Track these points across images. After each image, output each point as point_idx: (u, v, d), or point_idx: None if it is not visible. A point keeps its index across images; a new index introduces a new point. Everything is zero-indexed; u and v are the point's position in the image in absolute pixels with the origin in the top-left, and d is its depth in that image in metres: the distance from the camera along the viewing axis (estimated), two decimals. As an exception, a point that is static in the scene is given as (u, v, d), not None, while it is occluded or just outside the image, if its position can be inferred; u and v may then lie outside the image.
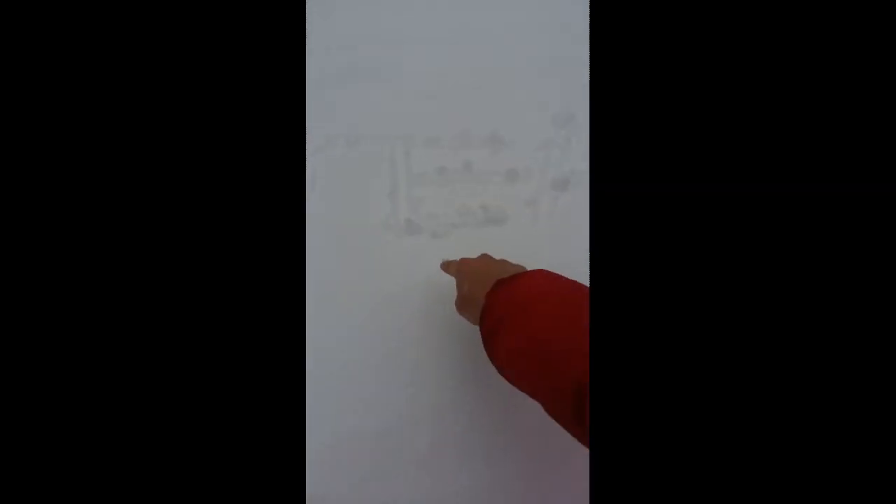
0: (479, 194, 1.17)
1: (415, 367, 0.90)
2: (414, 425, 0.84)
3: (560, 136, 1.34)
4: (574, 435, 0.47)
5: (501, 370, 0.60)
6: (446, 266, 0.85)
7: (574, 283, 0.60)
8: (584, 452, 0.40)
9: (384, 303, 0.97)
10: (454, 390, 0.87)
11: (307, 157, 1.34)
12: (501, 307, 0.58)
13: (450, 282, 1.02)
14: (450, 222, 1.11)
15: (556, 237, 1.09)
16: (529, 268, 1.02)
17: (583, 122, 1.38)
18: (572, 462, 0.83)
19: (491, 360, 0.61)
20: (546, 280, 0.60)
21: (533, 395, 0.55)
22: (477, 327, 0.69)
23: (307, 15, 1.58)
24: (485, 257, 0.78)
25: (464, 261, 0.80)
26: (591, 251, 0.38)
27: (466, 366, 0.90)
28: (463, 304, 0.72)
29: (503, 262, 0.76)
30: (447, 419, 0.85)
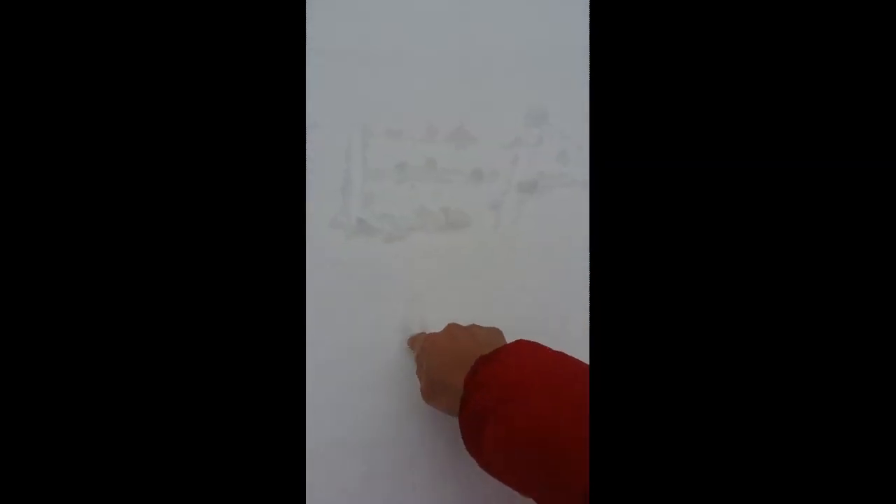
0: (440, 195, 1.08)
1: (344, 382, 0.81)
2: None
3: (531, 135, 1.26)
4: None
5: (488, 465, 0.51)
6: (412, 343, 0.78)
7: (562, 355, 0.53)
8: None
9: (324, 312, 0.87)
10: (389, 411, 0.79)
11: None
12: (488, 393, 0.49)
13: (410, 286, 0.92)
14: (407, 225, 1.01)
15: (520, 245, 1.01)
16: (493, 283, 0.95)
17: (556, 121, 1.30)
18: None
19: (472, 452, 0.53)
20: (534, 354, 0.52)
21: (527, 491, 0.46)
22: (447, 415, 0.61)
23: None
24: (451, 330, 0.68)
25: (428, 338, 0.70)
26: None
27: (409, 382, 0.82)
28: (433, 393, 0.62)
29: (472, 330, 0.67)
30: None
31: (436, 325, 0.83)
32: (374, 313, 0.88)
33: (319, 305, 0.85)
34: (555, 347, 0.57)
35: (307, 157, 1.16)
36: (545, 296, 0.93)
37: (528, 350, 0.54)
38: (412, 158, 1.15)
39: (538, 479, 0.43)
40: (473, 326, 0.68)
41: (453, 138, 1.23)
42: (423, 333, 0.77)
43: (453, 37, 1.54)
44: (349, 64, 1.41)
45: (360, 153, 1.19)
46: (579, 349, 0.53)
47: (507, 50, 1.46)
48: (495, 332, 0.66)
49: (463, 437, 0.54)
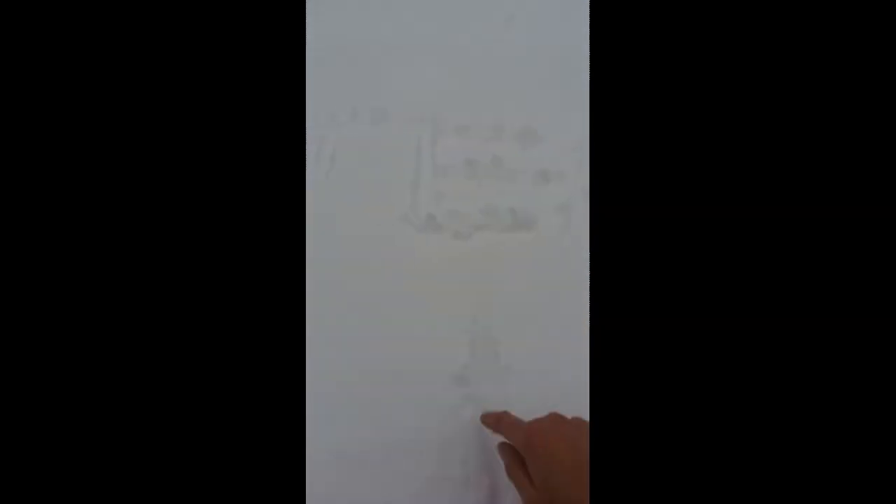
0: (507, 194, 1.09)
1: (420, 379, 0.85)
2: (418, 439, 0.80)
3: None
4: None
5: None
6: (494, 423, 0.67)
7: None
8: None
9: (391, 308, 0.91)
10: (460, 403, 0.83)
11: (326, 131, 1.26)
12: None
13: (470, 283, 0.95)
14: (474, 223, 1.04)
15: (587, 250, 1.02)
16: (560, 286, 0.95)
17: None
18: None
19: None
20: None
21: None
22: None
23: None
24: (557, 423, 0.56)
25: (532, 428, 0.57)
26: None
27: (475, 376, 0.85)
28: None
29: (580, 427, 0.55)
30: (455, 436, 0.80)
31: (501, 332, 0.85)
32: (443, 312, 0.91)
33: (387, 300, 0.90)
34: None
35: (377, 149, 1.20)
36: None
37: None
38: (480, 156, 1.17)
39: None
40: (578, 418, 0.58)
41: (519, 138, 1.23)
42: (505, 413, 0.67)
43: (529, 31, 1.53)
44: (418, 56, 1.43)
45: (429, 148, 1.22)
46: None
47: (577, 46, 1.43)
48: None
49: None
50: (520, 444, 0.58)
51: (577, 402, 0.62)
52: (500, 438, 0.70)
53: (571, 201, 1.09)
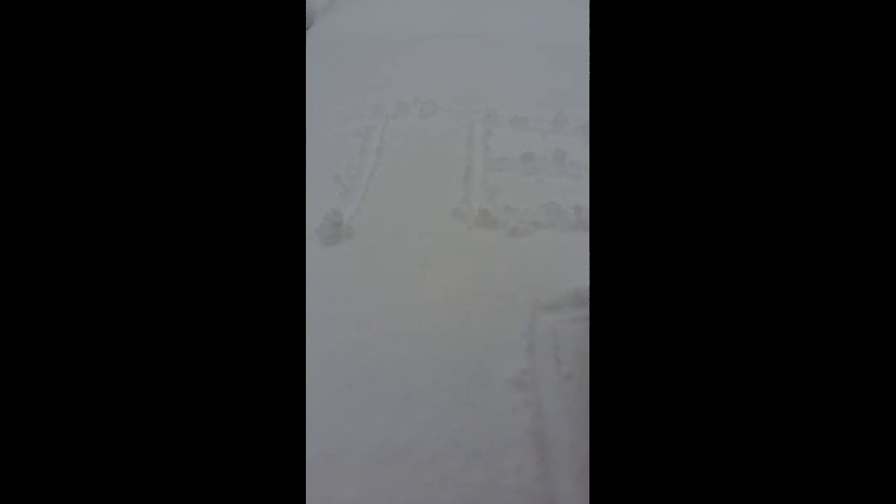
0: (570, 191, 0.99)
1: (475, 380, 0.75)
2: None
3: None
4: None
5: None
6: None
7: None
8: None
9: (439, 303, 0.81)
10: (517, 407, 0.72)
11: (376, 122, 1.19)
12: None
13: (529, 283, 0.85)
14: (533, 220, 0.93)
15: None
16: None
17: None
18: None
19: None
20: None
21: None
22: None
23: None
24: None
25: None
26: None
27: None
28: None
29: None
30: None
31: (559, 333, 0.75)
32: (495, 311, 0.81)
33: (435, 294, 0.81)
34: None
35: (431, 141, 1.12)
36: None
37: None
38: (539, 149, 1.06)
39: None
40: None
41: (583, 131, 1.12)
42: None
43: (580, 22, 1.43)
44: (476, 42, 1.35)
45: (482, 141, 1.13)
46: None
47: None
48: None
49: None
50: None
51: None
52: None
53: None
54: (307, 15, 1.88)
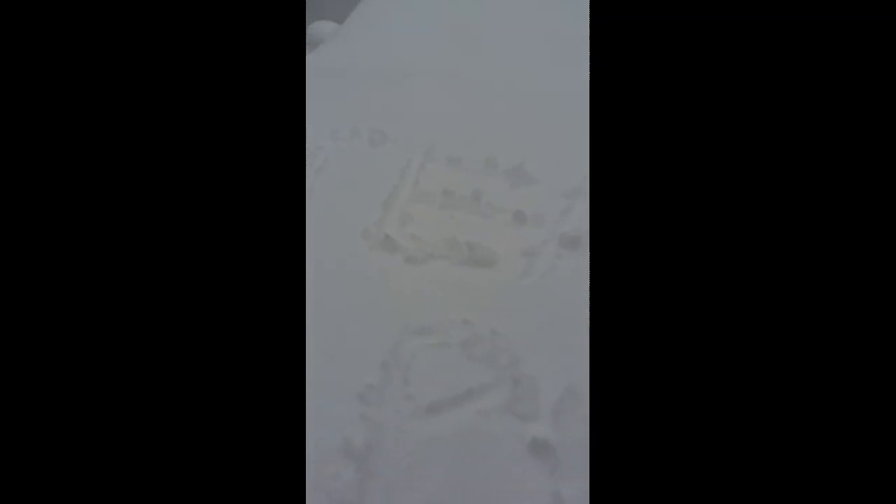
0: (474, 230, 1.05)
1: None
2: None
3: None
4: None
5: None
6: None
7: None
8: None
9: (319, 317, 0.88)
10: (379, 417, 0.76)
11: (325, 143, 1.29)
12: None
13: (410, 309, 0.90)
14: (429, 251, 1.00)
15: (546, 300, 0.94)
16: (505, 329, 0.86)
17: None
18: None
19: None
20: None
21: None
22: None
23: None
24: None
25: None
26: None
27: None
28: None
29: None
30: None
31: (416, 356, 0.79)
32: (364, 325, 0.87)
33: (320, 309, 0.87)
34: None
35: (373, 166, 1.21)
36: (545, 361, 0.85)
37: None
38: (461, 188, 1.14)
39: None
40: None
41: (510, 175, 1.19)
42: None
43: (540, 70, 1.51)
44: (426, 84, 1.45)
45: (415, 173, 1.21)
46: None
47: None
48: None
49: None
50: None
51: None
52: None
53: (540, 248, 1.03)
54: (313, 39, 2.04)
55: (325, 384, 0.80)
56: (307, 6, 1.87)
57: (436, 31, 1.79)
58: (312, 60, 1.78)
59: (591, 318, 0.39)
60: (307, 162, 1.22)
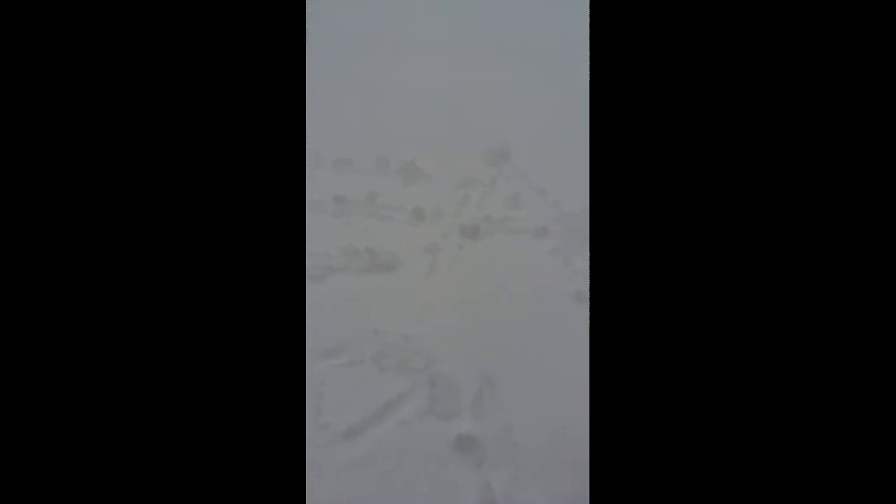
0: (373, 233, 1.02)
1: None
2: None
3: (486, 175, 1.19)
4: None
5: None
6: None
7: None
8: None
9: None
10: None
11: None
12: None
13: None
14: (328, 265, 0.95)
15: (454, 294, 0.94)
16: (416, 331, 0.85)
17: (518, 162, 1.23)
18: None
19: None
20: None
21: None
22: None
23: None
24: None
25: None
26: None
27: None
28: None
29: None
30: None
31: (326, 381, 0.76)
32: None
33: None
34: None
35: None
36: (460, 356, 0.85)
37: None
38: (353, 192, 1.10)
39: None
40: None
41: (402, 173, 1.17)
42: None
43: (426, 65, 1.50)
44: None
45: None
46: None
47: (475, 80, 1.41)
48: None
49: None
50: None
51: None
52: None
53: (442, 242, 1.02)
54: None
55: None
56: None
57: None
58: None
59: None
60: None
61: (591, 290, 0.41)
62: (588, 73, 0.42)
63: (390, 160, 1.20)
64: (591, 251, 0.38)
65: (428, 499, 0.69)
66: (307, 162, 1.17)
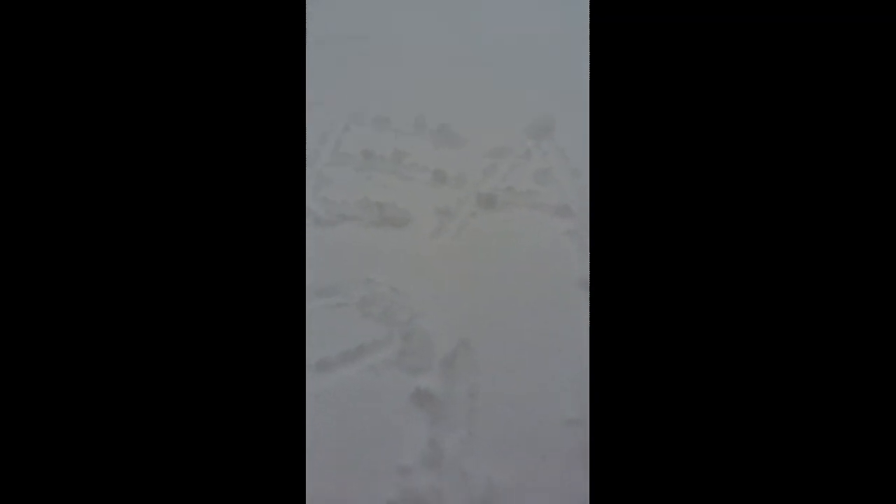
0: (392, 189, 1.04)
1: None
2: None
3: (522, 147, 1.15)
4: None
5: None
6: None
7: None
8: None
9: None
10: None
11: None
12: None
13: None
14: (340, 212, 0.99)
15: (454, 257, 0.93)
16: (407, 286, 0.84)
17: (562, 137, 1.17)
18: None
19: None
20: None
21: None
22: None
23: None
24: None
25: None
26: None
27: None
28: None
29: None
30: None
31: (327, 321, 0.80)
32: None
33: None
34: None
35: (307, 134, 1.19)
36: (443, 316, 0.85)
37: None
38: (381, 148, 1.12)
39: None
40: None
41: (435, 135, 1.17)
42: None
43: (466, 30, 1.47)
44: (353, 50, 1.42)
45: (338, 135, 1.19)
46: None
47: (524, 54, 1.36)
48: None
49: None
50: None
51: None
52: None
53: (456, 207, 1.01)
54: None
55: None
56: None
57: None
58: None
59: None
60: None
61: (590, 282, 0.40)
62: (588, 73, 0.40)
63: (427, 122, 1.20)
64: (591, 252, 0.37)
65: (375, 444, 0.71)
66: (306, 112, 1.22)
